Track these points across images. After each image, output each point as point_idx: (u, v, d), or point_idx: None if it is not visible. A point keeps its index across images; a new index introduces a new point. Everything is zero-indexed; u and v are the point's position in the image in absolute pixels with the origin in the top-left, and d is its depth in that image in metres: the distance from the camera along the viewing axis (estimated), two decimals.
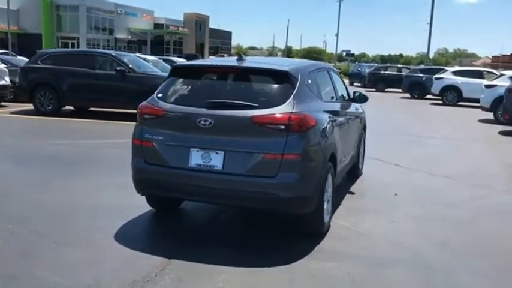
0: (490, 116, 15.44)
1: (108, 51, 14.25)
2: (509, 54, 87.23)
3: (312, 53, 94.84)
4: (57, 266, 3.84)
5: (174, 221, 5.09)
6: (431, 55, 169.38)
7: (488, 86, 15.30)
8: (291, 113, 4.14)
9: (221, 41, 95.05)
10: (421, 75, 24.31)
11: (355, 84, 33.99)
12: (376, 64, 43.92)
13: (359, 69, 34.55)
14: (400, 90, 26.52)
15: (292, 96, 4.28)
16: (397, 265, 4.11)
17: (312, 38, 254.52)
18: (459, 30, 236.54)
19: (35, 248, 4.21)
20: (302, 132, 4.14)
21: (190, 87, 4.68)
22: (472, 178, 7.55)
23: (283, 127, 4.09)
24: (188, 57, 42.02)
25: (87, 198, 5.65)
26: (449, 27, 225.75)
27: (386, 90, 28.68)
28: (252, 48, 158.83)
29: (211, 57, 51.84)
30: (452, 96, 20.59)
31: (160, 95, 4.56)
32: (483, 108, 15.49)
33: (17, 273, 3.71)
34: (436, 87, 20.91)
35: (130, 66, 12.14)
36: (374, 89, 28.54)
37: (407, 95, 24.55)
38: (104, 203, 5.49)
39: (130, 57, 13.36)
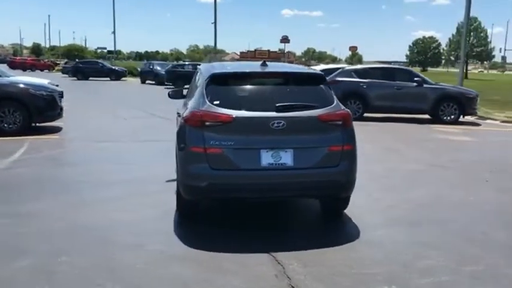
0: None
1: None
2: (253, 50, 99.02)
3: (73, 51, 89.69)
4: (185, 280, 3.82)
5: (209, 223, 5.23)
6: (184, 51, 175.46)
7: None
8: (342, 110, 4.88)
9: None
10: None
11: (148, 82, 34.40)
12: (168, 62, 44.80)
13: (151, 67, 34.96)
14: None
15: (334, 95, 5.00)
16: (420, 224, 5.24)
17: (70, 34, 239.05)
18: (206, 28, 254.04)
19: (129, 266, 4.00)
20: (349, 126, 4.90)
21: (242, 92, 4.93)
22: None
23: (340, 122, 4.80)
24: None
25: (86, 218, 5.23)
26: (196, 24, 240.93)
27: (186, 86, 29.61)
28: None
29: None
30: None
31: (216, 102, 4.69)
32: None
33: None
34: None
35: None
36: (173, 86, 29.27)
37: None
38: (117, 219, 5.22)
39: None
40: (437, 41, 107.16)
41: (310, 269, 4.03)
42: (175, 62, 41.10)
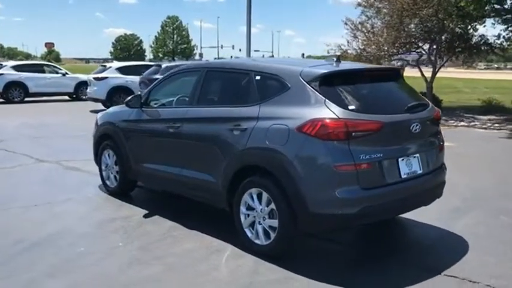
0: (100, 106, 16.22)
1: None
2: None
3: None
4: None
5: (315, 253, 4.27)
6: None
7: (99, 79, 15.88)
8: None
9: None
10: None
11: None
12: None
13: None
14: None
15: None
16: (471, 209, 5.48)
17: None
18: None
19: None
20: None
21: (362, 94, 4.11)
22: None
23: (440, 121, 4.59)
24: None
25: None
26: None
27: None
28: None
29: None
30: (18, 92, 19.21)
31: (352, 106, 3.83)
32: (98, 100, 16.05)
33: None
34: None
35: None
36: None
37: None
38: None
39: None
40: (138, 38, 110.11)
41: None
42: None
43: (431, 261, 4.07)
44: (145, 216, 5.26)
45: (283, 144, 3.88)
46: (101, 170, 6.25)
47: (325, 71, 4.04)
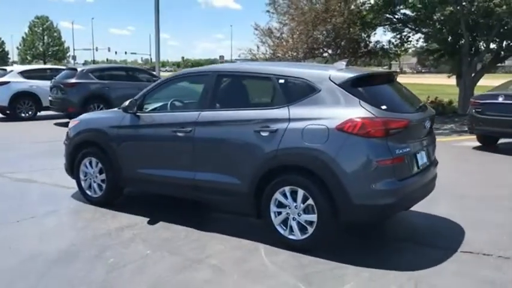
0: None
1: None
2: None
3: None
4: None
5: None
6: None
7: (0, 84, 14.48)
8: None
9: None
10: None
11: None
12: None
13: None
14: None
15: None
16: (440, 199, 6.15)
17: None
18: None
19: None
20: None
21: (384, 94, 4.52)
22: None
23: (434, 119, 5.18)
24: None
25: None
26: None
27: None
28: None
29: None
30: None
31: (384, 106, 4.23)
32: None
33: None
34: None
35: None
36: None
37: None
38: None
39: None
40: (0, 38, 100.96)
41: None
42: None
43: (442, 242, 4.61)
44: (150, 223, 5.14)
45: (323, 143, 4.14)
46: (79, 180, 5.90)
47: (354, 74, 4.39)
